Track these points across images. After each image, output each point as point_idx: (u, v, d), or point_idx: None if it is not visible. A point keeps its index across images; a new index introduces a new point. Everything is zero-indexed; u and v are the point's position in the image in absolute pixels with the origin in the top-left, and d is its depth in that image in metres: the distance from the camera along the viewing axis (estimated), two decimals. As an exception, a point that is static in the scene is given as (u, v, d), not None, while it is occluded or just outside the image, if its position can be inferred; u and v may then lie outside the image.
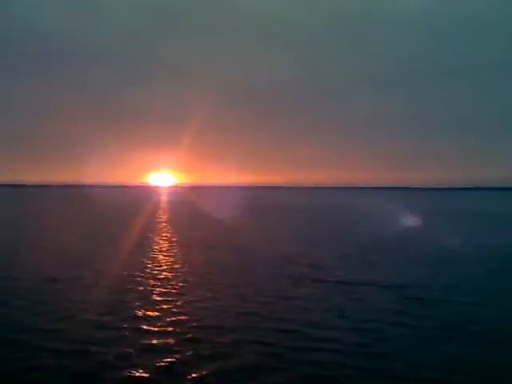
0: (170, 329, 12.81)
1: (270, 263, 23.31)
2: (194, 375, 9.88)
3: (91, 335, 12.22)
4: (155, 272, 20.89)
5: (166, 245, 30.82)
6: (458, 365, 10.49)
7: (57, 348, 11.32)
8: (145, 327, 12.94)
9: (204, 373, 9.97)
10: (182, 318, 13.85)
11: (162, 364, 10.43)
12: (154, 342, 11.82)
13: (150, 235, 36.42)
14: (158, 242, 32.04)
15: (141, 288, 17.66)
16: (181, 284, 18.44)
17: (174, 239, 34.21)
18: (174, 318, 13.75)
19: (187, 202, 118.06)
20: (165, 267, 22.19)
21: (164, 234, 37.62)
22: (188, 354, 11.00)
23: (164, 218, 58.25)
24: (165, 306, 15.09)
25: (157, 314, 14.26)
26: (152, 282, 18.66)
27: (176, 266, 22.56)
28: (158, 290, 17.42)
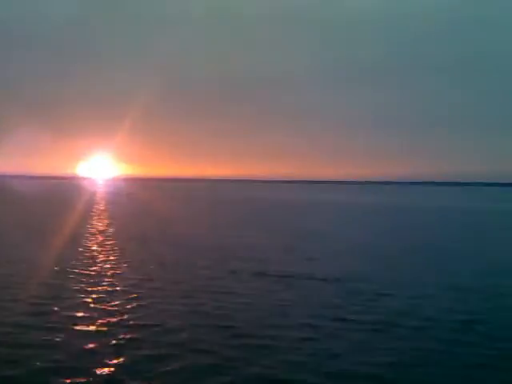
0: (106, 329, 12.14)
1: (210, 257, 22.98)
2: (133, 377, 9.38)
3: (18, 338, 11.30)
4: (89, 269, 19.85)
5: (101, 239, 29.55)
6: (399, 358, 10.76)
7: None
8: (78, 327, 12.17)
9: (144, 375, 9.51)
10: (118, 316, 13.20)
11: (98, 367, 9.80)
12: (88, 343, 11.10)
13: (83, 230, 34.78)
14: (93, 237, 30.66)
15: (74, 286, 16.68)
16: (116, 281, 17.64)
17: (109, 233, 32.92)
18: (109, 318, 13.05)
19: (126, 194, 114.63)
20: (100, 263, 21.19)
21: (99, 228, 36.12)
22: (126, 355, 10.45)
23: (99, 211, 56.04)
24: (100, 305, 14.30)
25: (91, 313, 13.47)
26: (85, 280, 17.69)
27: (112, 262, 21.63)
28: (92, 287, 16.53)
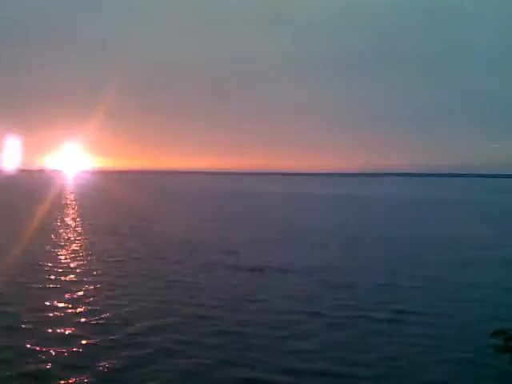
0: (77, 319, 12.08)
1: (180, 251, 22.94)
2: (105, 364, 9.40)
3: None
4: (56, 262, 19.60)
5: (71, 233, 29.13)
6: (366, 344, 11.10)
7: None
8: (50, 318, 12.09)
9: (117, 361, 9.53)
10: (90, 307, 13.14)
11: (70, 355, 9.77)
12: (60, 333, 11.05)
13: (51, 223, 34.12)
14: (61, 231, 30.16)
15: (40, 280, 16.45)
16: (83, 275, 17.47)
17: (78, 227, 32.43)
18: (81, 308, 13.01)
19: (97, 187, 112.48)
20: (70, 256, 20.95)
21: (68, 222, 35.50)
22: (98, 343, 10.44)
23: (68, 204, 54.93)
24: (70, 296, 14.23)
25: (63, 303, 13.41)
26: (57, 272, 17.50)
27: (82, 256, 21.39)
28: (63, 279, 16.37)
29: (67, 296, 14.47)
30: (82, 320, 12.19)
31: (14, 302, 13.68)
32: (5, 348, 10.30)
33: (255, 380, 9.14)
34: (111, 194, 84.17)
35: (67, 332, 11.35)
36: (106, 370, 9.27)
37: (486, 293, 15.70)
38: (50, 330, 11.39)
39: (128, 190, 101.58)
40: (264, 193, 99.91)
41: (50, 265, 18.94)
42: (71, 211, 45.24)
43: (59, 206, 50.22)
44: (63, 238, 26.62)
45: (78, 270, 18.09)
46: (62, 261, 19.92)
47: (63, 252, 22.19)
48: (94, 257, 21.04)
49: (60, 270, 17.96)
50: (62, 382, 8.84)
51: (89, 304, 13.64)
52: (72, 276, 17.14)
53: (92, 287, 15.62)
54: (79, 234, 28.53)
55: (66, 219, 37.56)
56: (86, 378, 8.96)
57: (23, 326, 11.78)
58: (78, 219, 37.65)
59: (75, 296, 14.50)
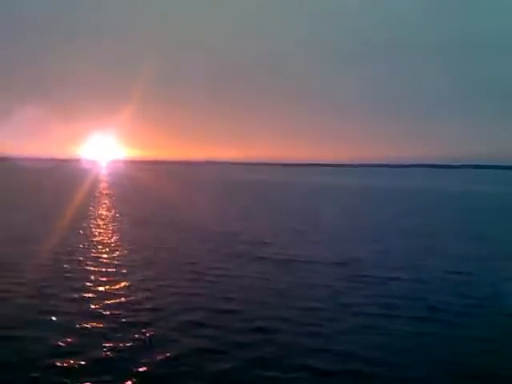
0: (108, 312, 12.11)
1: (213, 241, 22.93)
2: (139, 361, 9.35)
3: (24, 320, 11.31)
4: (93, 251, 19.87)
5: (103, 222, 29.57)
6: (402, 344, 10.72)
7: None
8: (81, 310, 12.16)
9: (150, 359, 9.48)
10: (123, 299, 13.19)
11: (99, 351, 9.78)
12: (91, 327, 11.10)
13: (85, 213, 34.79)
14: (96, 220, 30.67)
15: (74, 269, 16.68)
16: (120, 263, 17.63)
17: (112, 217, 32.93)
18: (114, 300, 13.05)
19: (129, 177, 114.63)
20: (103, 246, 21.19)
21: (101, 212, 36.13)
22: (130, 338, 10.43)
23: (101, 194, 56.02)
24: (103, 288, 14.31)
25: (92, 296, 13.46)
26: (89, 262, 17.69)
27: (115, 245, 21.65)
28: (93, 271, 16.51)
29: (96, 286, 14.63)
30: (107, 312, 12.23)
31: (43, 290, 13.93)
32: (30, 339, 10.42)
33: (281, 379, 8.94)
34: (143, 183, 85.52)
35: (93, 323, 11.40)
36: (131, 367, 9.21)
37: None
38: (76, 321, 11.47)
39: (159, 180, 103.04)
40: (290, 184, 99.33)
41: (81, 254, 19.24)
42: (104, 201, 46.04)
43: (93, 196, 51.25)
44: (95, 228, 27.06)
45: (108, 260, 18.31)
46: (94, 250, 20.21)
47: (95, 241, 22.53)
48: (125, 246, 21.29)
49: (91, 260, 18.21)
50: (86, 375, 8.86)
51: (115, 294, 13.75)
52: (102, 266, 17.34)
53: (119, 277, 15.77)
54: (111, 224, 28.95)
55: (99, 209, 38.25)
56: (110, 373, 8.95)
57: (53, 309, 12.12)
58: (110, 209, 38.29)
59: (103, 286, 14.64)
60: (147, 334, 10.68)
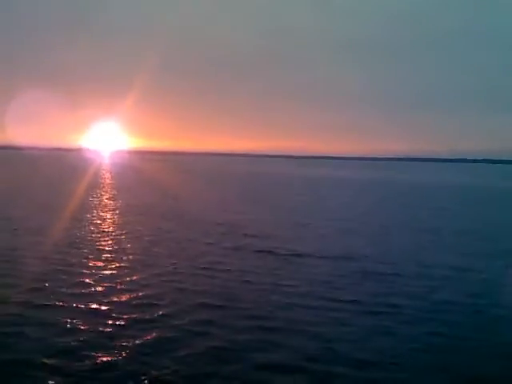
0: (108, 307, 11.99)
1: (214, 233, 22.76)
2: (141, 360, 9.21)
3: (23, 316, 11.17)
4: (94, 244, 19.75)
5: (106, 212, 29.50)
6: (408, 344, 10.59)
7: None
8: (81, 306, 12.01)
9: (152, 358, 9.34)
10: (124, 296, 13.04)
11: (99, 349, 9.63)
12: (91, 322, 10.96)
13: (89, 203, 34.74)
14: (98, 210, 30.59)
15: (76, 260, 16.56)
16: (122, 257, 17.44)
17: (115, 206, 32.87)
18: (115, 297, 12.91)
19: (133, 167, 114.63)
20: (105, 239, 21.05)
21: (105, 202, 36.06)
22: (132, 336, 10.28)
23: (104, 184, 55.94)
24: (100, 282, 14.16)
25: (92, 290, 13.33)
26: (90, 256, 17.54)
27: (116, 234, 21.62)
28: (94, 262, 16.38)
29: (97, 275, 14.65)
30: (107, 300, 12.33)
31: (46, 279, 13.95)
32: (36, 324, 10.53)
33: (279, 365, 9.09)
34: (147, 174, 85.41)
35: (93, 312, 11.48)
36: (129, 351, 9.33)
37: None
38: (77, 309, 11.59)
39: (163, 171, 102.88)
40: (300, 176, 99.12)
41: (84, 244, 19.26)
42: (107, 191, 45.97)
43: (96, 186, 51.15)
44: (98, 218, 26.99)
45: (110, 250, 18.33)
46: (96, 240, 20.19)
47: (98, 231, 22.54)
48: (127, 237, 21.27)
49: (94, 249, 18.22)
50: (87, 360, 8.94)
51: (116, 283, 13.82)
52: (104, 255, 17.36)
53: (121, 267, 15.79)
54: (114, 214, 28.91)
55: (102, 199, 38.15)
56: (110, 358, 9.01)
57: (53, 303, 12.03)
58: (113, 199, 38.21)
59: (105, 276, 14.68)
60: (149, 332, 10.51)
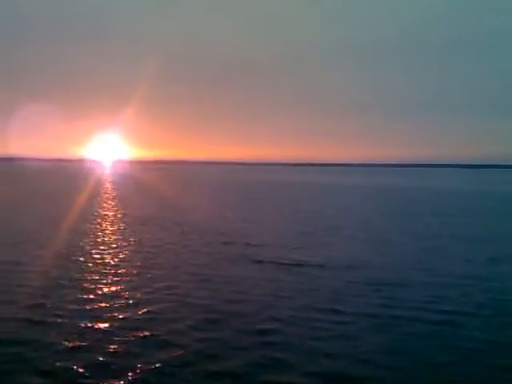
0: (112, 315, 11.74)
1: (214, 243, 22.55)
2: (142, 364, 9.06)
3: (22, 331, 10.93)
4: (97, 255, 19.55)
5: (107, 223, 29.36)
6: (416, 348, 10.31)
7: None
8: (83, 313, 11.78)
9: (153, 362, 9.18)
10: (125, 302, 12.90)
11: (106, 353, 9.41)
12: (93, 329, 10.75)
13: (90, 214, 34.56)
14: (99, 221, 30.44)
15: (81, 272, 16.40)
16: (122, 265, 17.33)
17: (115, 217, 32.73)
18: (117, 303, 12.69)
19: (134, 177, 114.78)
20: (106, 248, 20.90)
21: (106, 212, 35.91)
22: (133, 341, 10.10)
23: (105, 194, 55.83)
24: (102, 288, 13.98)
25: (93, 301, 13.10)
26: (91, 264, 17.38)
27: (117, 245, 21.42)
28: (95, 273, 16.16)
29: (99, 288, 14.42)
30: (110, 314, 12.02)
31: (46, 294, 13.68)
32: (32, 342, 10.21)
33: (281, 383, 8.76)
34: (147, 184, 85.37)
35: (95, 327, 11.16)
36: (135, 370, 8.99)
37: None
38: (78, 324, 11.26)
39: (164, 181, 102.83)
40: (302, 183, 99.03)
41: (84, 255, 19.05)
42: (108, 201, 45.83)
43: (97, 196, 51.05)
44: (99, 229, 26.84)
45: (111, 262, 18.09)
46: (97, 251, 20.03)
47: (98, 242, 22.39)
48: (128, 249, 21.06)
49: (94, 261, 18.04)
50: (92, 380, 8.64)
51: (117, 298, 13.51)
52: (105, 267, 17.19)
53: (122, 279, 15.61)
54: (115, 225, 28.72)
55: (103, 209, 38.00)
56: (115, 377, 8.70)
57: (52, 319, 11.71)
58: (114, 209, 38.06)
59: (106, 288, 14.45)
60: (150, 337, 10.46)
